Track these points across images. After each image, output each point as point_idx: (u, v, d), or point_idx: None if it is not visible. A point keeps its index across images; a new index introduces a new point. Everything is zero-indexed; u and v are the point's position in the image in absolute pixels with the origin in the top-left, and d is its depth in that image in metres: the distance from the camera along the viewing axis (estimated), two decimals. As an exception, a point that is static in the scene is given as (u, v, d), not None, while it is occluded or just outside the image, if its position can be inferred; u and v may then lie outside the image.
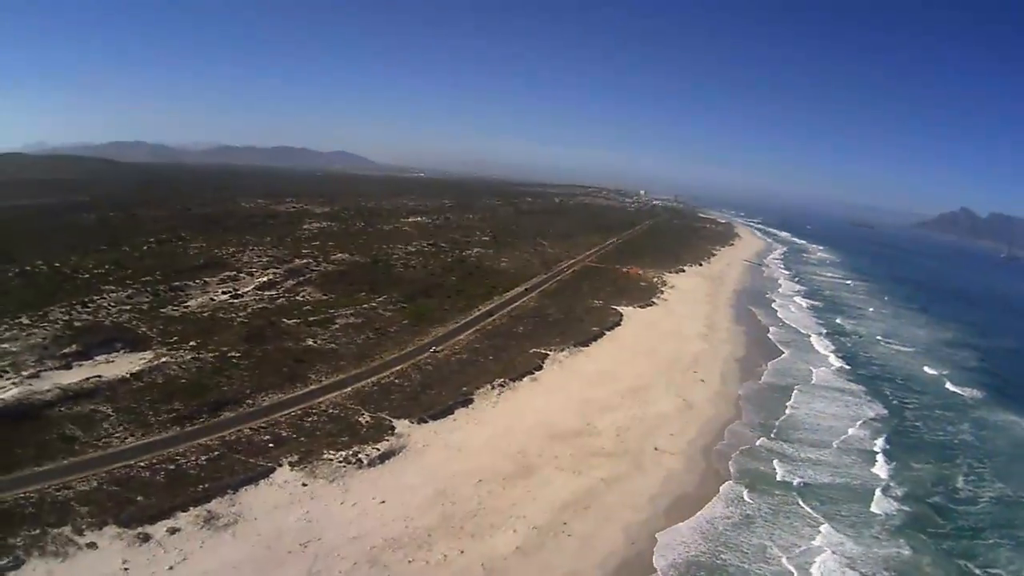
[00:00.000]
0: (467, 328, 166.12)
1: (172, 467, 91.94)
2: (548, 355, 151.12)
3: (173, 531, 79.05)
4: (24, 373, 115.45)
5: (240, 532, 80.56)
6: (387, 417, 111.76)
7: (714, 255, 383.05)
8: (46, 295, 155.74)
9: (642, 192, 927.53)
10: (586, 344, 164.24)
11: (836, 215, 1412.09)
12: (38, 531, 76.22)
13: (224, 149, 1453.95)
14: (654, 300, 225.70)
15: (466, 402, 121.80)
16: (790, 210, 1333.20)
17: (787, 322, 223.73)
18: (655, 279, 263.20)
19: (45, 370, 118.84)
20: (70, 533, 76.44)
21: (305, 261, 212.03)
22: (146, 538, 76.89)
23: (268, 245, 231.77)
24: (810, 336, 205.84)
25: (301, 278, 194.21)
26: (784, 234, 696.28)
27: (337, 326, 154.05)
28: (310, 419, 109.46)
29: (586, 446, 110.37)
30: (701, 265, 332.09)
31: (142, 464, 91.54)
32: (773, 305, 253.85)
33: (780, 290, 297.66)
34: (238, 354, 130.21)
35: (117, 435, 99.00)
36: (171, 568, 72.72)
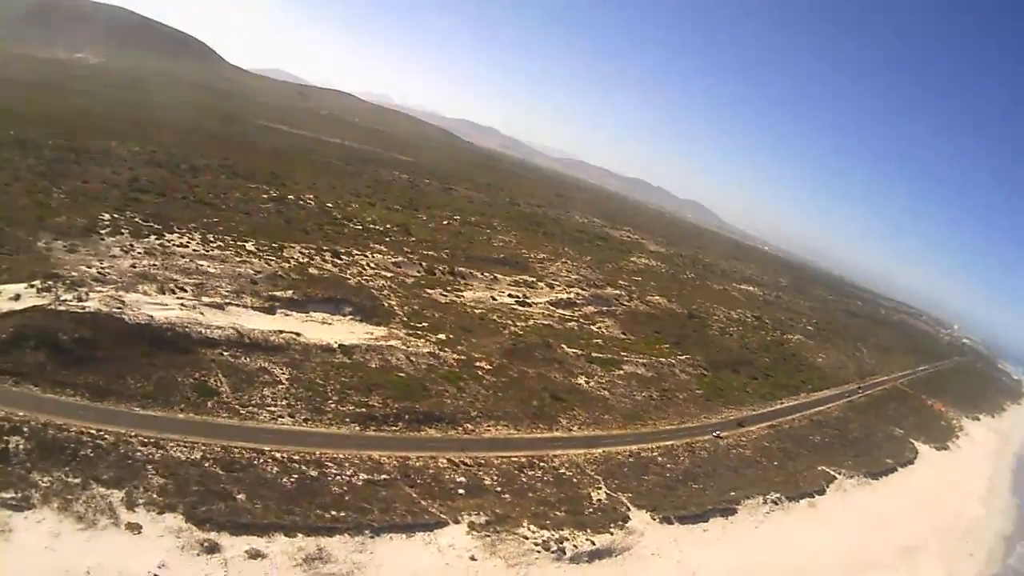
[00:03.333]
0: (762, 420, 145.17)
1: (314, 473, 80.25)
2: (836, 479, 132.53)
3: (254, 555, 66.44)
4: (204, 299, 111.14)
5: None
6: (627, 502, 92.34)
7: (1004, 410, 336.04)
8: (292, 230, 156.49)
9: (956, 326, 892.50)
10: (876, 476, 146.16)
11: None
12: (77, 481, 67.69)
13: (577, 164, 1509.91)
14: (948, 444, 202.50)
15: (728, 511, 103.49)
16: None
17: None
18: (953, 420, 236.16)
19: (236, 305, 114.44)
20: (117, 503, 67.08)
21: (617, 292, 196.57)
22: (212, 548, 65.72)
23: (583, 264, 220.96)
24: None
25: (605, 308, 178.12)
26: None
27: (621, 372, 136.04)
28: (531, 473, 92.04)
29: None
30: (993, 417, 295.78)
31: (277, 455, 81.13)
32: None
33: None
34: (489, 366, 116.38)
35: (272, 409, 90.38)
36: None
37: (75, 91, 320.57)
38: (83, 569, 59.41)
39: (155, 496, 69.83)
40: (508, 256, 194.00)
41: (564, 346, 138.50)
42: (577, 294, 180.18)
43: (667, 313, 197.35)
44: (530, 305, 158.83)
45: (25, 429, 73.91)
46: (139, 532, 65.60)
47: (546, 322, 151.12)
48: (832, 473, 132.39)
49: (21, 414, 76.32)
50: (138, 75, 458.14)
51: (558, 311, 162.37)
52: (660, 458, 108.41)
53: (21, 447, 71.49)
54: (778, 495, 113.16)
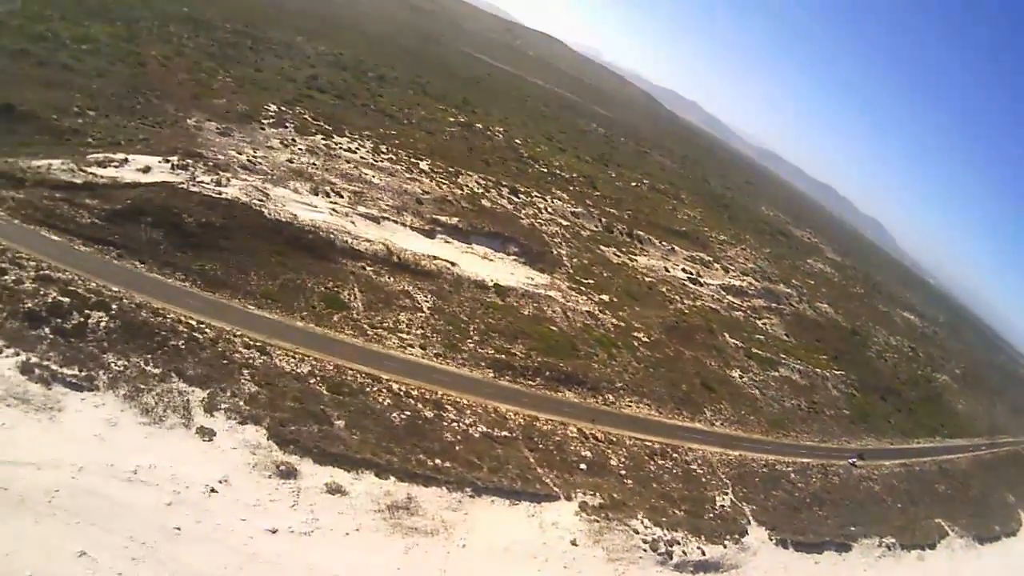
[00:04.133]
0: (897, 456, 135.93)
1: (429, 414, 75.58)
2: (948, 535, 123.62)
3: (334, 490, 61.67)
4: (359, 208, 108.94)
5: (412, 545, 61.06)
6: (749, 515, 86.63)
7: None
8: (473, 159, 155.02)
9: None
10: (983, 541, 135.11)
11: None
12: (157, 371, 64.92)
13: (771, 155, 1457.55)
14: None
15: (843, 547, 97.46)
16: None
17: None
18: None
19: (394, 221, 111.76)
20: (195, 403, 63.81)
21: (788, 291, 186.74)
22: (288, 474, 61.05)
23: (761, 255, 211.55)
24: None
25: (774, 304, 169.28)
26: None
27: (775, 374, 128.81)
28: (661, 462, 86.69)
29: None
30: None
31: (394, 387, 77.07)
32: None
33: None
34: (646, 339, 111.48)
35: (404, 336, 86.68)
36: (274, 531, 55.81)
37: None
38: (131, 466, 55.42)
39: (241, 404, 66.00)
40: (689, 231, 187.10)
41: (726, 334, 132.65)
42: (750, 284, 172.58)
43: (831, 324, 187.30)
44: (701, 284, 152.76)
45: (114, 307, 70.96)
46: (210, 439, 61.79)
47: (713, 306, 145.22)
48: (946, 528, 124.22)
49: (115, 290, 73.93)
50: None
51: (728, 297, 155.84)
52: (793, 475, 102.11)
53: (103, 324, 68.56)
54: (893, 540, 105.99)
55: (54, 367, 61.19)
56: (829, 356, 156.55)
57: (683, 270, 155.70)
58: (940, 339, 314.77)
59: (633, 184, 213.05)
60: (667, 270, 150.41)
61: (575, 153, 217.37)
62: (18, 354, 61.07)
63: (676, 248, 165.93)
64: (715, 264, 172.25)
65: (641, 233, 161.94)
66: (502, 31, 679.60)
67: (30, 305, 66.67)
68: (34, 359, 60.94)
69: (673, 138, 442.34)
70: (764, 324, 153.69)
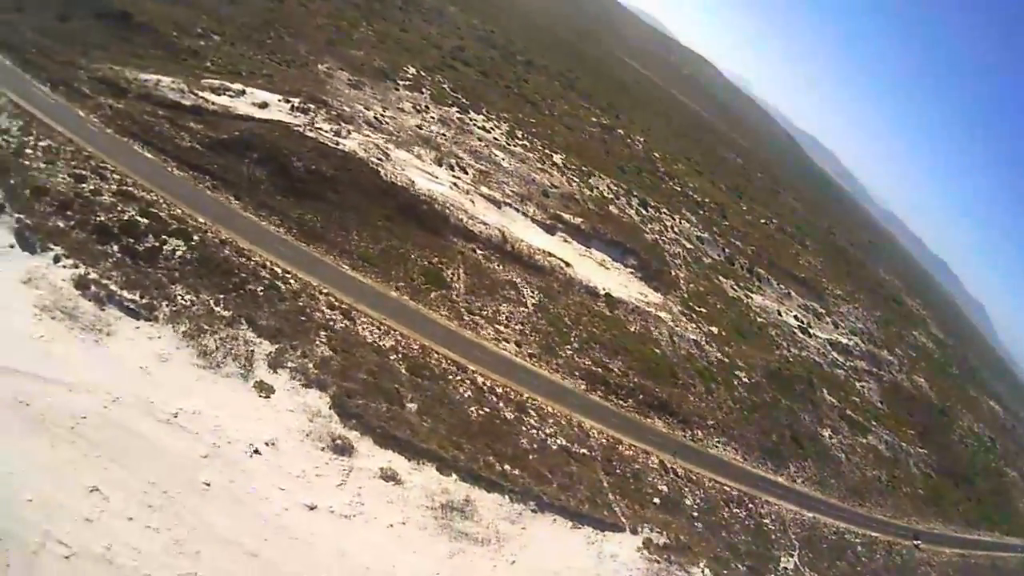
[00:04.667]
0: (958, 545, 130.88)
1: (509, 416, 72.78)
2: None
3: (389, 476, 59.09)
4: (482, 188, 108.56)
5: (457, 551, 57.48)
6: None
7: None
8: (608, 163, 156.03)
9: None
10: None
11: None
12: (226, 314, 63.49)
13: (895, 220, 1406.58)
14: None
15: None
16: None
17: None
18: None
19: (516, 209, 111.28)
20: (260, 356, 61.92)
21: (891, 359, 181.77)
22: (343, 449, 58.42)
23: (871, 317, 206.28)
24: None
25: (875, 369, 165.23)
26: None
27: (863, 441, 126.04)
28: (736, 510, 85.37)
29: None
30: None
31: (479, 379, 75.56)
32: None
33: None
34: (746, 380, 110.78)
35: (501, 329, 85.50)
36: (312, 507, 52.90)
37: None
38: (173, 407, 52.69)
39: (310, 366, 63.13)
40: (808, 278, 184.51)
41: (825, 390, 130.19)
42: (856, 344, 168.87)
43: (924, 399, 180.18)
44: (810, 335, 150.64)
45: (196, 238, 68.90)
46: (267, 397, 58.75)
47: (818, 359, 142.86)
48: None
49: (201, 220, 72.12)
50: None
51: (833, 353, 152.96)
52: (860, 547, 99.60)
53: (178, 253, 66.42)
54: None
55: (113, 287, 59.50)
56: (916, 431, 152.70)
57: (795, 317, 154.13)
58: (1018, 434, 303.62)
59: (762, 221, 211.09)
60: (780, 314, 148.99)
61: (711, 178, 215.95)
62: (77, 267, 59.72)
63: (792, 293, 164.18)
64: (827, 317, 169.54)
65: (761, 271, 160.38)
66: (658, 43, 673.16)
67: (103, 219, 65.59)
68: (92, 275, 59.52)
69: (806, 183, 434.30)
70: (862, 387, 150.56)
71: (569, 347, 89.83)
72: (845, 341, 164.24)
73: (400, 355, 71.84)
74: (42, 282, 56.62)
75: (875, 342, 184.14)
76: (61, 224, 63.14)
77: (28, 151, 70.33)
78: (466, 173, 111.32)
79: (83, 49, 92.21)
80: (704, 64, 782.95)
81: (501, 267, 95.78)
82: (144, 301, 59.61)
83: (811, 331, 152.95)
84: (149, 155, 79.00)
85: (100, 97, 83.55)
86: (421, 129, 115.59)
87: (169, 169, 78.66)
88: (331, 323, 69.99)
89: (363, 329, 72.18)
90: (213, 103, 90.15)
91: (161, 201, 72.19)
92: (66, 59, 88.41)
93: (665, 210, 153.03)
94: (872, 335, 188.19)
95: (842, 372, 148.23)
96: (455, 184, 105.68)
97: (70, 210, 64.69)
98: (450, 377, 73.17)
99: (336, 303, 72.91)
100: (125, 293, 59.22)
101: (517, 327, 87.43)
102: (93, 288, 58.25)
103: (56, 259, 59.66)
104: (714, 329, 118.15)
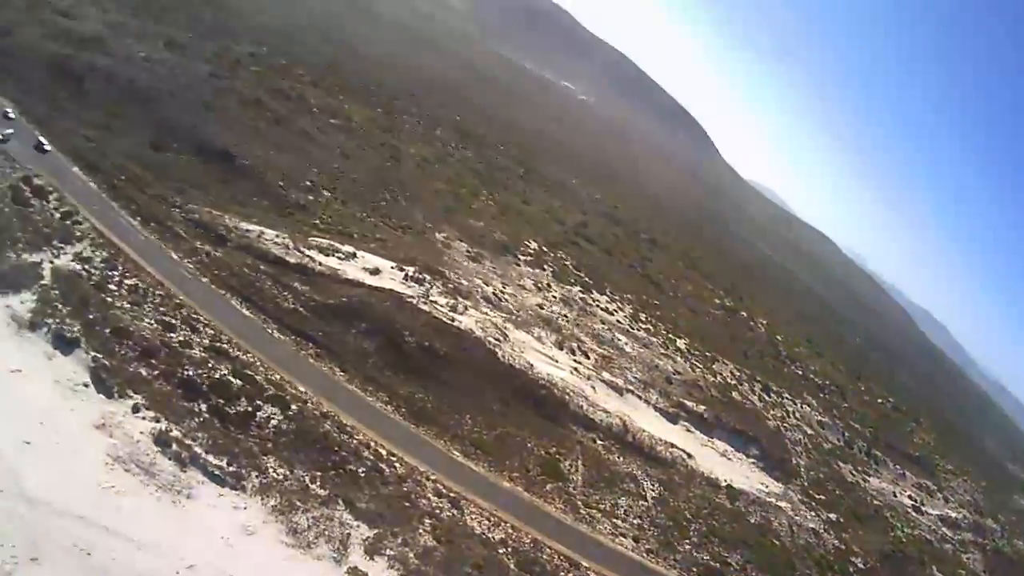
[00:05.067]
0: None
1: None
2: None
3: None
4: (604, 374, 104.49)
5: None
6: None
7: None
8: (733, 347, 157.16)
9: None
10: None
11: None
12: (323, 493, 60.77)
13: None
14: None
15: None
16: None
17: None
18: None
19: (638, 396, 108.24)
20: (357, 540, 59.19)
21: (994, 526, 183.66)
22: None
23: (978, 487, 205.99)
24: None
25: (979, 539, 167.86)
26: None
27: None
28: None
29: None
30: None
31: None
32: None
33: None
34: (861, 566, 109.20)
35: (619, 524, 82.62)
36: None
37: (552, 117, 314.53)
38: None
39: (410, 555, 59.96)
40: (922, 456, 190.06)
41: (935, 567, 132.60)
42: (964, 516, 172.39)
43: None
44: (922, 513, 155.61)
45: (294, 407, 65.93)
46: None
47: (928, 536, 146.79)
48: None
49: (301, 389, 69.49)
50: (626, 128, 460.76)
51: (943, 529, 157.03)
52: None
53: (273, 422, 63.76)
54: None
55: (197, 449, 57.30)
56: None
57: (909, 496, 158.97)
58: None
59: (879, 400, 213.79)
60: (895, 495, 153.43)
61: (831, 359, 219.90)
62: (158, 420, 57.44)
63: (907, 473, 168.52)
64: (938, 493, 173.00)
65: (878, 453, 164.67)
66: (779, 220, 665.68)
67: (191, 373, 63.01)
68: (175, 432, 57.31)
69: (922, 359, 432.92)
70: (968, 559, 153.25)
71: (688, 541, 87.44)
72: (954, 515, 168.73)
73: (510, 549, 68.97)
74: (117, 430, 54.64)
75: (981, 512, 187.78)
76: (144, 372, 60.99)
77: (111, 287, 68.63)
78: (588, 357, 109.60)
79: (179, 186, 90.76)
80: (823, 240, 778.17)
81: (621, 458, 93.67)
82: (232, 468, 57.47)
83: (923, 509, 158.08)
84: (248, 312, 76.48)
85: (196, 242, 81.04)
86: (542, 309, 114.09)
87: (269, 330, 76.23)
88: (437, 511, 67.44)
89: (471, 519, 69.63)
90: (321, 264, 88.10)
91: (258, 363, 70.26)
92: (158, 193, 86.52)
93: (787, 395, 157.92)
94: (978, 505, 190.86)
95: (950, 546, 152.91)
96: (576, 369, 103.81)
97: (155, 358, 62.30)
98: (561, 574, 70.85)
99: (444, 490, 70.62)
100: (211, 457, 56.98)
101: (635, 521, 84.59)
102: (175, 447, 56.11)
103: (135, 408, 57.87)
104: (832, 516, 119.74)
